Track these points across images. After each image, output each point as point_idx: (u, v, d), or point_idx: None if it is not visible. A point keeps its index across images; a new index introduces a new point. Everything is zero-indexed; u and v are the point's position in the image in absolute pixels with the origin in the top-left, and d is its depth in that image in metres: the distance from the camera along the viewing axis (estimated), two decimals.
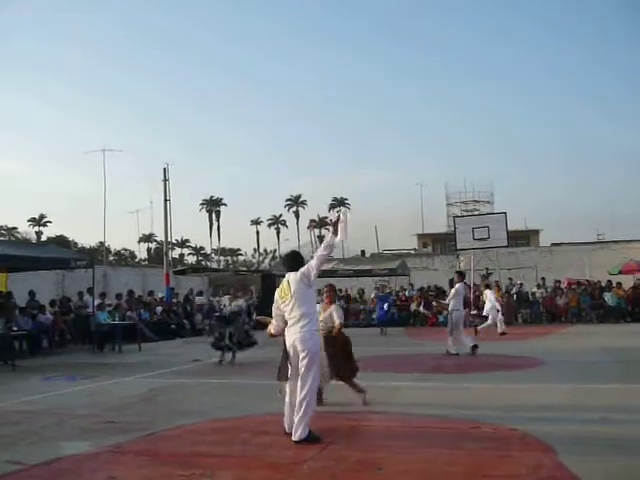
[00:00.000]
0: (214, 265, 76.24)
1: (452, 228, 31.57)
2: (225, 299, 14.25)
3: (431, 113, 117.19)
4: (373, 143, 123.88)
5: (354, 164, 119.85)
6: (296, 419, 6.21)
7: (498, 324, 20.50)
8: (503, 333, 20.00)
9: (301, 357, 6.33)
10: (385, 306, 23.50)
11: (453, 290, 15.00)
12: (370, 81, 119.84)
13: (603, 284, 27.11)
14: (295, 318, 6.41)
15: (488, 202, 48.54)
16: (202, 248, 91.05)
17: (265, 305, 25.55)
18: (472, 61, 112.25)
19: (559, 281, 27.93)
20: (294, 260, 6.90)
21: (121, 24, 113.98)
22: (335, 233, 6.88)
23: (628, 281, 27.00)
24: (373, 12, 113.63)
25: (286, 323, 6.54)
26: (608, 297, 25.89)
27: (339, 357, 8.16)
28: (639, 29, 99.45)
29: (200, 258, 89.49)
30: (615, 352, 14.09)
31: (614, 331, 20.40)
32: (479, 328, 19.62)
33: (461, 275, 15.36)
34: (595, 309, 26.04)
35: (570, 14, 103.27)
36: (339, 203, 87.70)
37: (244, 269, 58.85)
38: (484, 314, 21.09)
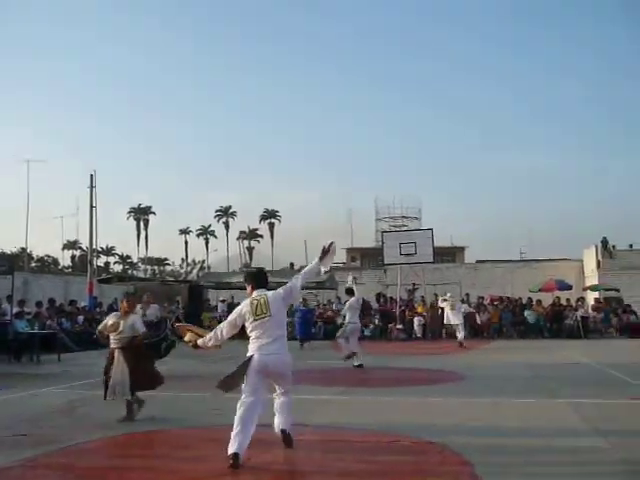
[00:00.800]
0: (141, 274, 74.85)
1: (380, 243, 32.03)
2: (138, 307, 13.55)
3: (362, 129, 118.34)
4: (305, 157, 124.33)
5: (286, 176, 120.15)
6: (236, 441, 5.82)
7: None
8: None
9: (278, 378, 6.34)
10: (297, 318, 23.48)
11: (347, 304, 15.67)
12: (300, 97, 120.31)
13: (524, 301, 27.94)
14: (272, 338, 6.19)
15: (416, 218, 49.34)
16: (129, 257, 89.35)
17: (192, 315, 25.36)
18: (402, 78, 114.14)
19: (482, 297, 28.62)
20: (265, 278, 6.85)
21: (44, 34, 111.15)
22: (321, 259, 6.76)
23: (547, 299, 27.91)
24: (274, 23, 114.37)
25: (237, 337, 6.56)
26: (528, 314, 26.69)
27: (141, 369, 8.29)
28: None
29: (126, 267, 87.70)
30: (533, 367, 14.50)
31: (533, 347, 21.01)
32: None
33: (350, 292, 15.90)
34: (516, 325, 26.79)
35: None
36: (270, 215, 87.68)
37: (171, 279, 57.98)
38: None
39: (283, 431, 6.35)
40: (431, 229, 29.14)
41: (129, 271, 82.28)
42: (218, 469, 5.71)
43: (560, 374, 13.25)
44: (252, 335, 6.26)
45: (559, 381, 11.97)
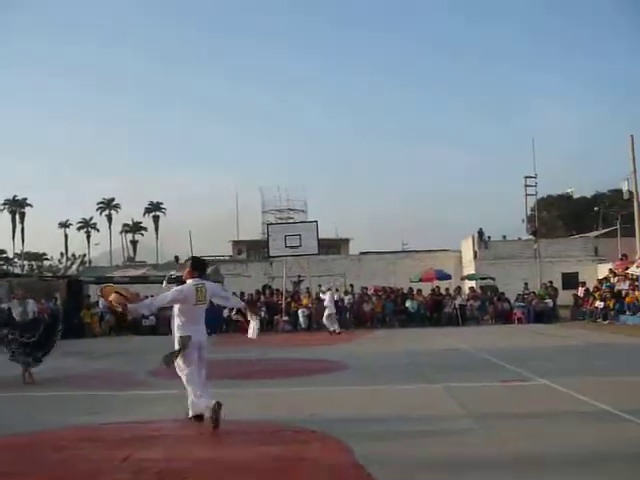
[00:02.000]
0: (17, 270, 71.41)
1: (266, 235, 32.05)
2: (15, 303, 12.44)
3: (250, 121, 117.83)
4: (190, 146, 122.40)
5: (170, 167, 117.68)
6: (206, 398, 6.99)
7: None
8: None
9: (203, 352, 7.29)
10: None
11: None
12: (188, 85, 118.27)
13: (406, 291, 28.76)
14: (201, 322, 7.32)
15: (302, 211, 49.70)
16: (3, 251, 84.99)
17: (71, 312, 24.44)
18: (287, 70, 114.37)
19: (366, 288, 29.22)
20: (205, 267, 7.75)
21: None
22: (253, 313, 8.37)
23: (428, 288, 28.88)
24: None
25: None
26: (409, 304, 27.52)
27: None
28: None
29: (1, 262, 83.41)
30: (413, 355, 14.96)
31: (414, 335, 21.69)
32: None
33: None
34: (398, 314, 27.55)
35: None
36: (154, 208, 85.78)
37: (50, 274, 55.70)
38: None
39: (218, 404, 6.87)
40: (316, 221, 29.46)
41: (4, 267, 78.31)
42: (100, 468, 5.55)
43: (438, 361, 13.74)
44: (186, 317, 7.13)
45: (437, 367, 12.40)
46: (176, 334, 7.15)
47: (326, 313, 23.29)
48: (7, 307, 12.28)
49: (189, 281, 7.23)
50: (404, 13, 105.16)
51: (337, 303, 24.97)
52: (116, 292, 6.89)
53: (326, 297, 23.52)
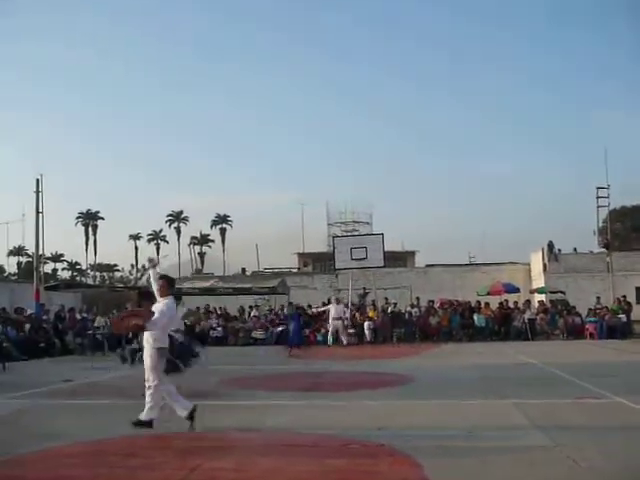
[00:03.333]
0: (90, 281, 73.54)
1: (332, 248, 32.13)
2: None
3: (315, 135, 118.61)
4: (258, 163, 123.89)
5: (239, 181, 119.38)
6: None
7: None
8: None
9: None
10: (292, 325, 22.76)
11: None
12: (253, 103, 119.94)
13: (473, 304, 28.34)
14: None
15: (367, 223, 49.55)
16: (77, 263, 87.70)
17: None
18: (349, 84, 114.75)
19: (432, 301, 28.94)
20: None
21: None
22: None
23: (496, 302, 28.39)
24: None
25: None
26: (477, 317, 27.12)
27: None
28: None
29: (75, 273, 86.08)
30: (481, 369, 14.73)
31: (481, 349, 21.35)
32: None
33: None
34: (465, 328, 27.17)
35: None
36: (221, 220, 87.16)
37: (120, 285, 57.16)
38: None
39: (195, 408, 7.47)
40: (382, 234, 29.39)
41: (77, 278, 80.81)
42: (171, 476, 5.67)
43: (508, 376, 13.49)
44: (163, 330, 7.68)
45: (507, 382, 12.18)
46: (153, 344, 7.54)
47: (331, 328, 22.60)
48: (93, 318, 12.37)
49: (170, 299, 7.90)
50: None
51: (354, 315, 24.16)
52: (125, 317, 7.45)
53: (331, 308, 23.00)
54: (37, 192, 29.56)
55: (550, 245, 37.86)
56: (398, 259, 48.71)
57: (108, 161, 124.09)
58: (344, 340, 22.21)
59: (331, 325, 22.51)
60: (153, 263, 8.48)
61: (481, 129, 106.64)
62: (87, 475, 5.90)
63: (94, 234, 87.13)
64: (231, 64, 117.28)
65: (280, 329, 25.97)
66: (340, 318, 22.49)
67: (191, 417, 7.42)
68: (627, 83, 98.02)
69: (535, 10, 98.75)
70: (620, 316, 26.60)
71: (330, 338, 22.42)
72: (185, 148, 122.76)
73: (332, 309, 22.95)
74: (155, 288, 8.02)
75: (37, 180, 29.61)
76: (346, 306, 24.62)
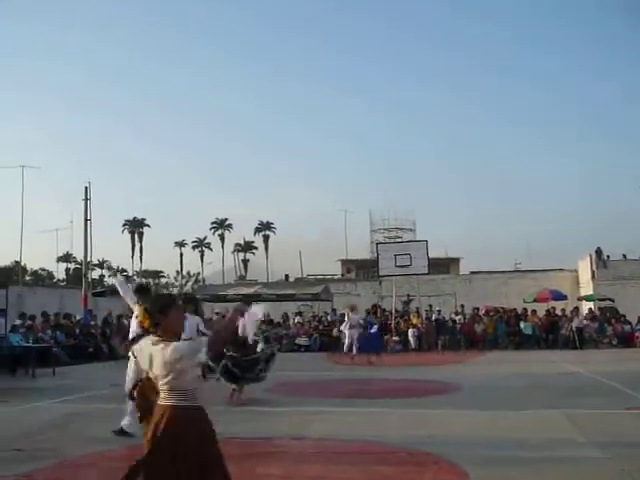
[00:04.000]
0: None
1: (375, 254, 32.05)
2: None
3: (358, 142, 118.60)
4: (302, 170, 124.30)
5: (281, 186, 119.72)
6: None
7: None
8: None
9: None
10: (374, 328, 22.07)
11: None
12: (297, 114, 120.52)
13: (519, 312, 27.94)
14: None
15: (411, 230, 49.29)
16: (124, 270, 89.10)
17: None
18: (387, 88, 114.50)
19: (477, 308, 28.62)
20: None
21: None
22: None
23: (542, 309, 27.94)
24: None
25: None
26: (523, 325, 26.71)
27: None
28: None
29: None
30: (529, 378, 14.49)
31: (528, 358, 21.03)
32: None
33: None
34: (511, 336, 26.79)
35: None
36: (264, 227, 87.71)
37: (166, 291, 57.88)
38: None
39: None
40: (426, 241, 29.18)
41: None
42: None
43: (556, 385, 13.24)
44: None
45: (555, 392, 11.97)
46: None
47: (348, 339, 21.62)
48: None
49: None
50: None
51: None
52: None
53: (347, 318, 22.17)
54: (85, 199, 30.13)
55: (598, 251, 37.12)
56: (441, 266, 48.32)
57: (154, 167, 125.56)
58: (354, 350, 21.55)
59: (347, 335, 21.90)
60: (113, 272, 8.52)
61: (524, 129, 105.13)
62: None
63: (140, 241, 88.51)
64: (276, 65, 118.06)
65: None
66: (355, 327, 22.04)
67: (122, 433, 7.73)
68: None
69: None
70: None
71: (353, 348, 21.80)
72: (232, 156, 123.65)
73: (347, 318, 22.39)
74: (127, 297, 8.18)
75: (85, 188, 30.18)
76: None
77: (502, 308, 28.94)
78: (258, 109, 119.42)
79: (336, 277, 48.17)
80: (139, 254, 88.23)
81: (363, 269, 50.11)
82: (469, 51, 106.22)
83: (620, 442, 7.30)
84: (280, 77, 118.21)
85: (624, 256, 39.56)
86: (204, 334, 13.43)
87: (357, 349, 21.04)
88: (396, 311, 28.80)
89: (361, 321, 22.27)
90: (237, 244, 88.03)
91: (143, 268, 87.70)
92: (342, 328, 22.38)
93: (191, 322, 12.94)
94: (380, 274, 30.76)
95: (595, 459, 6.49)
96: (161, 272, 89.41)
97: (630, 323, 26.75)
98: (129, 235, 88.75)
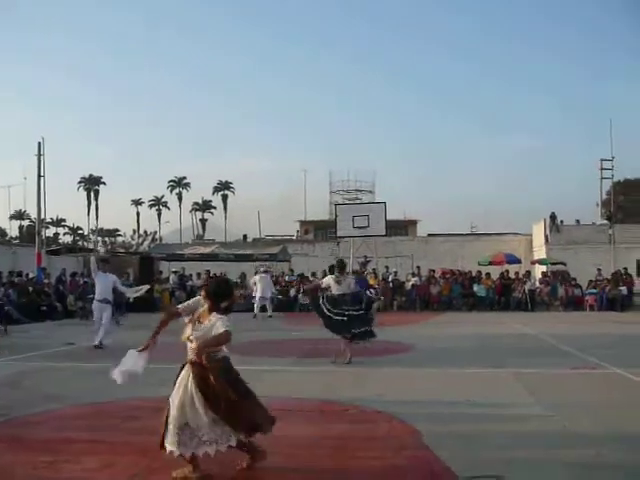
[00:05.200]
0: (91, 246, 73.65)
1: (334, 216, 32.12)
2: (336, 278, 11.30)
3: (318, 103, 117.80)
4: (260, 129, 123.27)
5: (239, 146, 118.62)
6: None
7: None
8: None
9: None
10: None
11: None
12: (258, 67, 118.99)
13: (474, 274, 28.39)
14: None
15: (370, 192, 49.53)
16: (79, 228, 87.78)
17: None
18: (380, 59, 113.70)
19: (433, 270, 28.98)
20: None
21: None
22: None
23: (497, 272, 28.42)
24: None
25: None
26: (477, 288, 27.19)
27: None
28: None
29: (77, 238, 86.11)
30: (481, 339, 14.81)
31: (482, 319, 21.45)
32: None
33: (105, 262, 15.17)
34: (465, 298, 27.26)
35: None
36: (223, 187, 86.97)
37: (122, 250, 57.26)
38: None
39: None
40: (384, 203, 29.36)
41: (79, 242, 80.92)
42: None
43: (507, 346, 13.56)
44: None
45: (506, 352, 12.26)
46: None
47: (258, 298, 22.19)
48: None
49: None
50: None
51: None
52: None
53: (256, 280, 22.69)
54: (39, 155, 29.44)
55: (552, 216, 37.74)
56: (399, 228, 48.69)
57: (112, 124, 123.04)
58: (269, 311, 21.97)
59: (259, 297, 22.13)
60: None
61: (495, 97, 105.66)
62: (88, 437, 5.96)
63: (96, 199, 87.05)
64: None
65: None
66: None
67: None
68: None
69: None
70: (621, 288, 26.63)
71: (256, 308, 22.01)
72: (188, 114, 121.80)
73: (258, 280, 22.60)
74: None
75: (39, 143, 29.46)
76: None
77: (458, 270, 29.36)
78: (227, 62, 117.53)
79: (294, 238, 48.22)
80: (95, 212, 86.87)
81: (321, 230, 50.23)
82: None
83: (564, 400, 7.54)
84: (238, 27, 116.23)
85: (577, 221, 40.34)
86: (120, 292, 13.96)
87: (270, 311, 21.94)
88: (354, 272, 28.99)
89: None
90: (195, 203, 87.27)
91: (99, 227, 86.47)
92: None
93: (107, 280, 13.55)
94: (338, 235, 30.89)
95: (539, 416, 6.70)
96: (117, 230, 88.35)
97: (580, 287, 27.43)
98: (85, 193, 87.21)
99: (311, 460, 5.21)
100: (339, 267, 11.54)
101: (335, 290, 11.29)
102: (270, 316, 21.90)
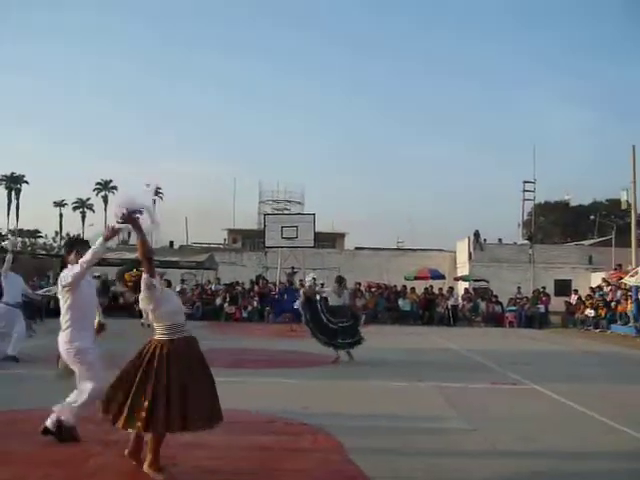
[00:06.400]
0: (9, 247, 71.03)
1: (262, 225, 32.06)
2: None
3: (250, 112, 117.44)
4: (190, 133, 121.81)
5: (169, 154, 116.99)
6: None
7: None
8: None
9: None
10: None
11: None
12: (187, 75, 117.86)
13: (399, 289, 28.79)
14: None
15: (299, 203, 49.70)
16: None
17: None
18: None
19: (359, 283, 29.23)
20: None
21: None
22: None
23: (422, 287, 28.92)
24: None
25: None
26: (402, 302, 27.59)
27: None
28: None
29: None
30: (404, 352, 15.02)
31: (405, 333, 21.74)
32: None
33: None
34: (390, 311, 27.60)
35: None
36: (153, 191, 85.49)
37: (43, 252, 55.54)
38: None
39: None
40: (314, 214, 29.50)
41: None
42: (87, 450, 5.56)
43: (429, 360, 13.79)
44: None
45: (428, 366, 12.44)
46: None
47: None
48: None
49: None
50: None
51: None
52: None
53: None
54: None
55: (476, 234, 38.75)
56: (327, 240, 48.96)
57: (36, 124, 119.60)
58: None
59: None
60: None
61: (416, 113, 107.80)
62: None
63: (17, 198, 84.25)
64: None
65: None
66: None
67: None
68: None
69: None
70: (539, 306, 27.55)
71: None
72: (118, 115, 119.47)
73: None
74: None
75: None
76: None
77: (384, 284, 29.72)
78: (143, 73, 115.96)
79: (222, 246, 47.85)
80: (15, 212, 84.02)
81: (250, 239, 50.02)
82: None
83: (485, 415, 7.72)
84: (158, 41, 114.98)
85: (500, 240, 41.55)
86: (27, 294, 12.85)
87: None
88: (280, 283, 28.97)
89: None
90: None
91: (19, 227, 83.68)
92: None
93: (17, 281, 11.98)
94: (266, 245, 30.83)
95: (461, 430, 6.83)
96: (38, 232, 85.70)
97: (501, 304, 28.21)
98: (5, 191, 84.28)
99: (235, 472, 5.15)
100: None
101: (334, 301, 13.24)
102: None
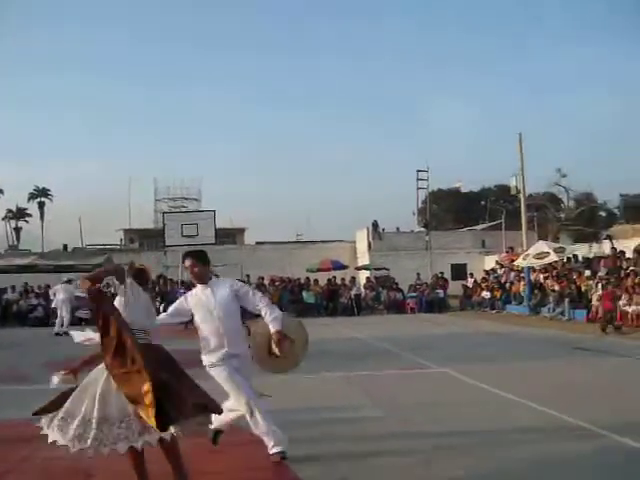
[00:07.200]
0: None
1: (160, 224, 31.44)
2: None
3: (145, 109, 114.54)
4: (79, 132, 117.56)
5: (59, 151, 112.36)
6: None
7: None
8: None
9: None
10: None
11: None
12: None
13: (303, 281, 28.96)
14: None
15: (196, 199, 48.97)
16: None
17: None
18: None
19: (262, 277, 29.20)
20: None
21: None
22: None
23: (324, 279, 29.19)
24: None
25: None
26: (305, 295, 27.79)
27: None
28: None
29: None
30: (311, 345, 14.98)
31: (310, 325, 21.68)
32: None
33: None
34: (294, 304, 27.72)
35: None
36: (40, 193, 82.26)
37: None
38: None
39: None
40: (214, 211, 29.22)
41: None
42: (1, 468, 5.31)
43: (336, 350, 13.90)
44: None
45: (336, 357, 12.57)
46: None
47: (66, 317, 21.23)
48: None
49: None
50: None
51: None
52: None
53: (60, 290, 21.92)
54: None
55: (374, 224, 39.41)
56: (227, 236, 48.53)
57: None
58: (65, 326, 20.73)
59: (64, 308, 21.04)
60: None
61: (312, 109, 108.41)
62: None
63: None
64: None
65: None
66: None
67: None
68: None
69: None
70: (438, 291, 28.39)
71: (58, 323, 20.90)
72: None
73: (61, 291, 21.66)
74: None
75: None
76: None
77: (287, 278, 29.81)
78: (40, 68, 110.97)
79: (119, 247, 46.58)
80: None
81: (147, 239, 48.91)
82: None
83: (398, 400, 7.90)
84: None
85: (397, 229, 42.44)
86: None
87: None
88: (182, 282, 28.53)
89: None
90: (9, 210, 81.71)
91: None
92: None
93: None
94: (166, 244, 30.28)
95: (373, 418, 6.96)
96: None
97: (402, 291, 28.88)
98: None
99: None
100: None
101: None
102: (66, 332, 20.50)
